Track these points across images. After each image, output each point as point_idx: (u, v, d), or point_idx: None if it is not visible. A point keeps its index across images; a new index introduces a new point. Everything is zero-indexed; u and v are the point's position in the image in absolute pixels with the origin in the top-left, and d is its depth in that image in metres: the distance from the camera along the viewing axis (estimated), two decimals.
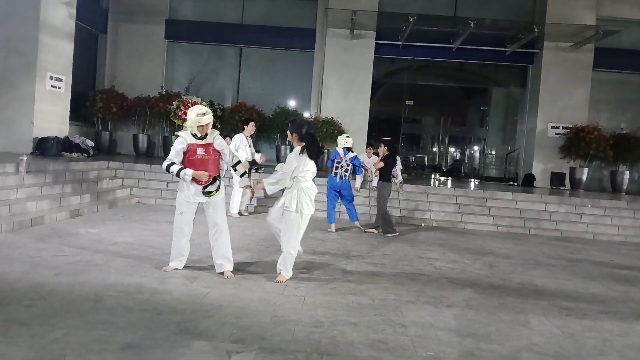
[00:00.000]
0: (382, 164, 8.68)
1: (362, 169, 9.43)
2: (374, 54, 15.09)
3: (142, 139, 14.99)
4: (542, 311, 4.91)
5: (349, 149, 8.84)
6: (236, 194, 9.43)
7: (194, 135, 5.19)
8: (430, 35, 15.03)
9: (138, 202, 10.29)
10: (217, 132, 5.37)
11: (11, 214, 7.08)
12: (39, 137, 11.03)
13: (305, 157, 5.26)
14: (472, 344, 3.91)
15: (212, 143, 5.25)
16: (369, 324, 4.18)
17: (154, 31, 15.74)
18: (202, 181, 5.16)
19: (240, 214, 9.59)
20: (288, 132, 5.48)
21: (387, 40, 15.20)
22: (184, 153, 5.19)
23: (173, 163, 5.16)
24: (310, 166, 5.33)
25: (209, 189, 5.19)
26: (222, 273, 5.29)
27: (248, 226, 8.47)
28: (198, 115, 5.10)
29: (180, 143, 5.19)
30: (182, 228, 5.31)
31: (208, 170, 5.17)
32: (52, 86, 11.48)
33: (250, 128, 9.42)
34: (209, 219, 5.35)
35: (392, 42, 15.20)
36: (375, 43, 15.08)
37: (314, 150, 5.31)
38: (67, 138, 11.61)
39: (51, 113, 11.54)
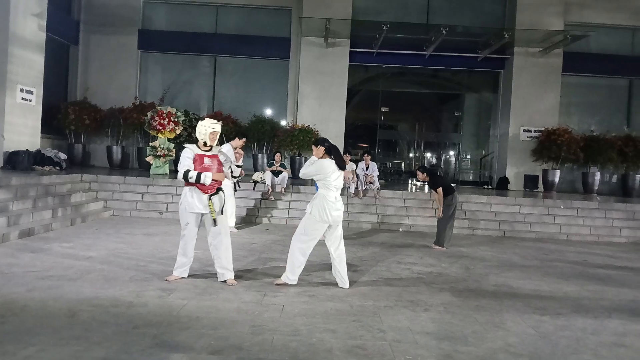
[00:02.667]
0: (441, 189, 8.37)
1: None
2: (349, 61, 15.21)
3: (116, 151, 14.81)
4: (517, 312, 4.99)
5: None
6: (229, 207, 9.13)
7: (203, 145, 5.38)
8: (404, 42, 15.22)
9: (112, 215, 10.14)
10: (220, 147, 5.63)
11: None
12: (10, 150, 10.81)
13: (336, 169, 5.45)
14: (450, 347, 3.95)
15: (217, 155, 5.45)
16: (347, 330, 4.19)
17: (126, 42, 15.62)
18: (207, 190, 5.28)
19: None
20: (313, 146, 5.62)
21: (362, 48, 15.34)
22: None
23: (189, 170, 5.23)
24: (339, 179, 5.48)
25: (213, 201, 5.29)
26: (225, 282, 5.41)
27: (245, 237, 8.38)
28: (212, 123, 5.40)
29: (189, 154, 5.32)
30: (188, 238, 5.42)
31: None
32: (22, 99, 11.27)
33: (236, 142, 9.18)
34: (210, 229, 5.40)
35: (366, 49, 15.34)
36: (350, 51, 15.21)
37: (340, 161, 5.52)
38: (38, 151, 11.41)
39: (22, 126, 11.32)
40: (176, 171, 5.37)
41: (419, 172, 8.73)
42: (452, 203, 8.50)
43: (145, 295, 4.83)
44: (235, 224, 9.30)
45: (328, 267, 6.50)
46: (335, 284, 5.63)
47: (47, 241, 7.20)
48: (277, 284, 5.48)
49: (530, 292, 5.87)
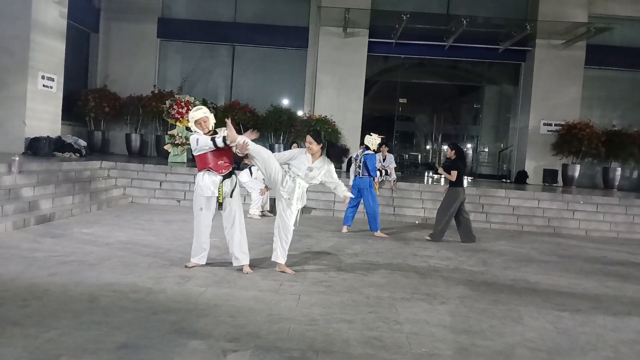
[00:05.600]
0: (455, 174, 8.11)
1: (378, 172, 9.34)
2: (367, 52, 15.12)
3: (135, 139, 14.94)
4: (536, 307, 4.94)
5: (367, 147, 8.75)
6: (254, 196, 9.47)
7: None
8: (424, 33, 15.06)
9: (131, 202, 10.26)
10: (224, 129, 5.56)
11: (3, 214, 7.03)
12: (31, 137, 10.97)
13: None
14: (467, 340, 3.93)
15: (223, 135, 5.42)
16: (364, 322, 4.19)
17: (146, 30, 15.69)
18: (222, 170, 5.30)
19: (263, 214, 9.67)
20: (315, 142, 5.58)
21: (380, 38, 15.21)
22: None
23: (213, 138, 5.22)
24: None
25: (224, 184, 5.32)
26: (241, 269, 5.43)
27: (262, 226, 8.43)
28: (193, 112, 5.38)
29: (199, 135, 5.32)
30: (202, 223, 5.42)
31: (226, 160, 5.35)
32: (43, 85, 11.42)
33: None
34: (225, 214, 5.41)
35: (385, 40, 15.21)
36: (369, 41, 15.10)
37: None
38: (59, 138, 11.55)
39: (43, 112, 11.48)
40: (194, 159, 5.41)
41: (448, 148, 8.56)
42: (457, 198, 8.24)
43: (164, 282, 4.88)
44: (269, 210, 9.87)
45: (346, 258, 6.53)
46: (353, 274, 5.63)
47: (68, 227, 7.31)
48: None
49: (548, 287, 5.81)
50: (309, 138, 5.56)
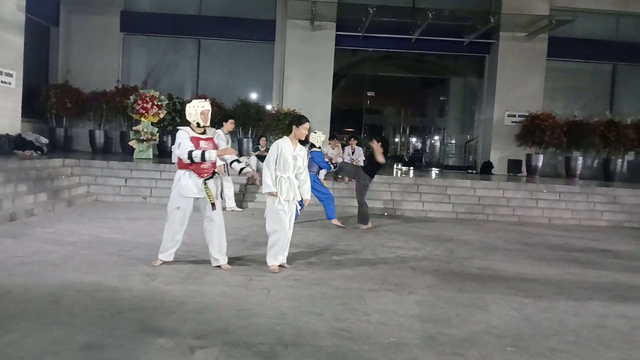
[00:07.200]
0: (383, 160, 8.49)
1: (330, 165, 9.40)
2: (335, 45, 15.12)
3: (99, 135, 14.61)
4: (500, 294, 5.05)
5: (312, 145, 8.81)
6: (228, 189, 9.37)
7: (197, 127, 5.27)
8: (390, 26, 15.14)
9: (96, 200, 10.03)
10: (214, 129, 5.47)
11: None
12: None
13: None
14: (434, 329, 4.00)
15: (212, 138, 5.41)
16: (332, 313, 4.21)
17: (109, 23, 15.32)
18: (203, 174, 5.22)
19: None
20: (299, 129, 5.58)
21: (348, 31, 15.23)
22: None
23: (192, 150, 5.12)
24: None
25: (209, 186, 5.25)
26: (219, 267, 5.37)
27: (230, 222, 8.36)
28: (200, 102, 5.30)
29: (185, 134, 5.20)
30: (177, 222, 5.32)
31: (209, 165, 5.27)
32: (2, 82, 11.03)
33: (229, 125, 9.36)
34: (204, 214, 5.34)
35: (352, 33, 15.24)
36: (336, 34, 15.10)
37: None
38: (19, 135, 11.20)
39: (2, 109, 11.09)
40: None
41: (374, 140, 8.69)
42: (367, 183, 8.71)
43: (130, 280, 4.80)
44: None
45: (314, 251, 6.54)
46: (322, 267, 5.64)
47: (29, 226, 7.11)
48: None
49: (512, 274, 5.94)
50: (307, 125, 5.53)
